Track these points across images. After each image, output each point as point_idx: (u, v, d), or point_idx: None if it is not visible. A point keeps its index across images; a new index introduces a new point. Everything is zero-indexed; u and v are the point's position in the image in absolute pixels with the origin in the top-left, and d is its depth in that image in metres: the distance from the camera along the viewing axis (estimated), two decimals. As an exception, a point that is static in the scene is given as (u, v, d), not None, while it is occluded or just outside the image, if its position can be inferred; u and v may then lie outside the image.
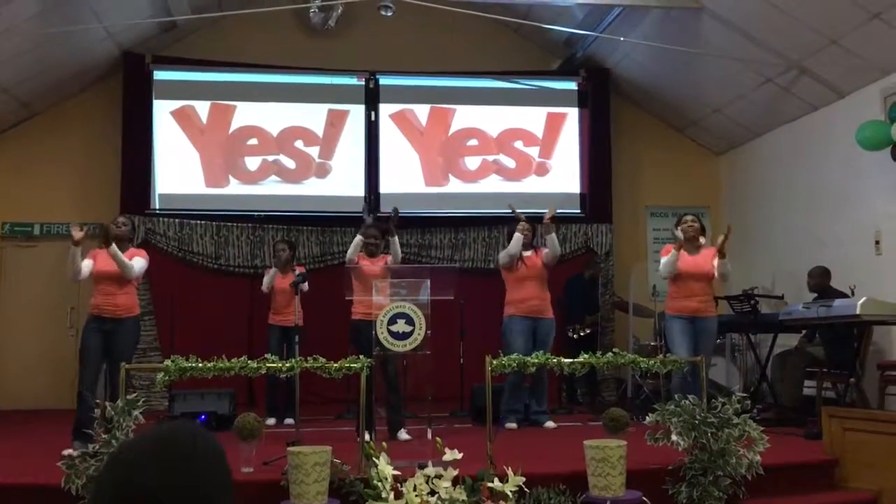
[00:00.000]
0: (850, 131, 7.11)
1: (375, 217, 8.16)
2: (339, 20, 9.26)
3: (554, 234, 6.68)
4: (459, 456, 4.12)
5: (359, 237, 6.18)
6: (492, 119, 9.59)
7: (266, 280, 7.28)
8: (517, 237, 6.58)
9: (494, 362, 4.47)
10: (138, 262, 5.62)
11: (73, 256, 5.40)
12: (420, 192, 9.41)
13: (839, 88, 7.66)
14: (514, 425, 6.45)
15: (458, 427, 6.53)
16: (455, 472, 4.03)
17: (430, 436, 4.60)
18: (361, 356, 4.53)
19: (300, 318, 6.68)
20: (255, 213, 9.08)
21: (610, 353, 4.64)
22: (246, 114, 9.19)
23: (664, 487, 4.32)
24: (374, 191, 9.28)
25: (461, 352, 7.51)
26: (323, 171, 9.30)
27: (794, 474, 4.73)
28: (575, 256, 9.53)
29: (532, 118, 9.66)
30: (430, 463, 4.11)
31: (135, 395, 4.20)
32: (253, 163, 9.18)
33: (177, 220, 8.96)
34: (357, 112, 9.40)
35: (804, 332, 7.23)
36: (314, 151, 9.30)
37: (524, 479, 4.07)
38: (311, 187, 9.26)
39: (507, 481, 4.05)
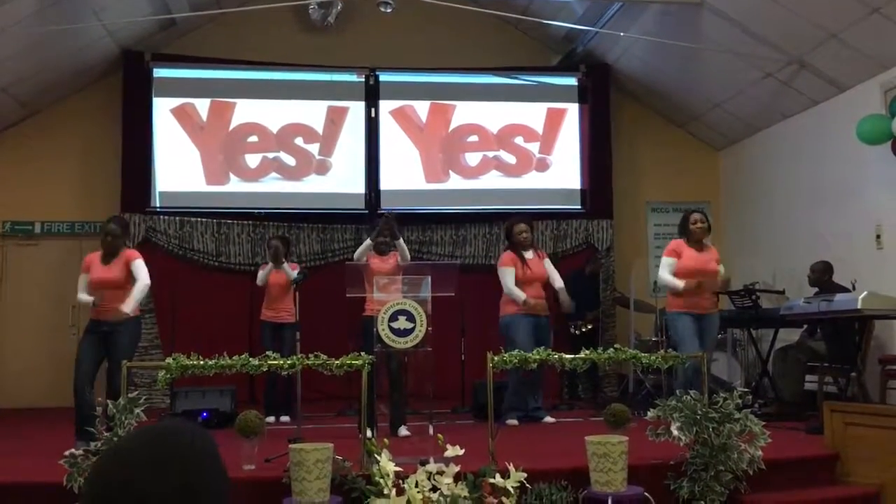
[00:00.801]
0: (850, 126, 7.10)
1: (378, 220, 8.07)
2: (338, 17, 9.26)
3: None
4: (461, 452, 4.13)
5: (369, 241, 6.22)
6: (492, 115, 9.58)
7: (261, 275, 7.23)
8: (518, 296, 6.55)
9: (496, 359, 4.48)
10: (142, 273, 5.64)
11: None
12: (420, 189, 9.41)
13: (839, 83, 7.65)
14: (515, 422, 6.44)
15: (460, 423, 6.53)
16: (457, 469, 4.03)
17: (431, 432, 4.61)
18: (363, 353, 4.53)
19: (291, 314, 6.67)
20: (256, 211, 9.08)
21: (611, 349, 4.64)
22: (246, 111, 9.18)
23: (666, 483, 4.32)
24: (374, 187, 9.28)
25: (462, 348, 7.50)
26: (323, 168, 9.30)
27: (795, 469, 4.74)
28: (576, 252, 9.53)
29: (532, 114, 9.65)
30: (431, 459, 4.11)
31: (136, 392, 4.21)
32: (253, 160, 9.17)
33: (177, 218, 8.96)
34: (357, 109, 9.39)
35: (805, 326, 7.23)
36: (314, 148, 9.30)
37: (526, 475, 4.08)
38: (312, 184, 9.25)
39: (508, 477, 4.05)
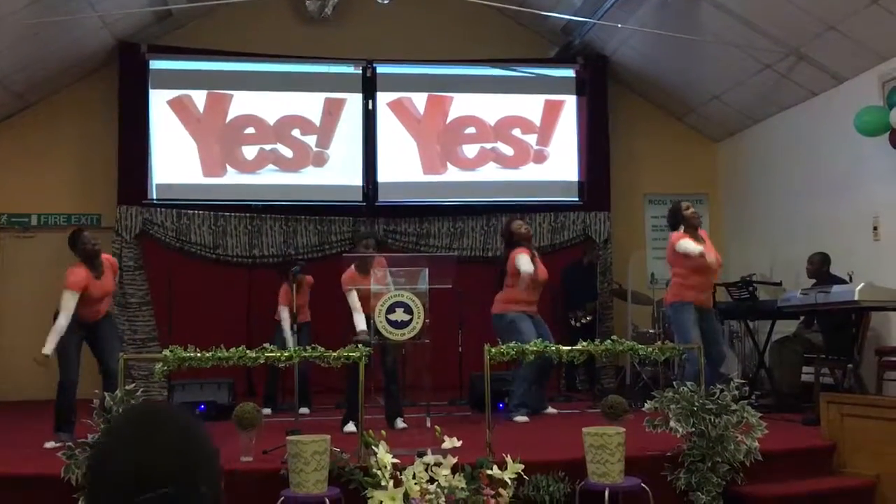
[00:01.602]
0: (848, 117, 7.10)
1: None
2: (335, 8, 9.23)
3: None
4: (458, 444, 4.14)
5: (349, 287, 5.90)
6: (489, 107, 9.56)
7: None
8: (526, 259, 6.42)
9: (493, 351, 4.48)
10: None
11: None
12: (418, 181, 9.39)
13: (837, 74, 7.64)
14: (525, 419, 6.26)
15: (457, 415, 6.54)
16: (454, 460, 4.04)
17: (429, 424, 4.62)
18: (360, 345, 4.53)
19: (305, 315, 6.73)
20: (253, 203, 9.06)
21: (609, 341, 4.65)
22: (243, 103, 9.15)
23: (663, 474, 4.33)
24: (371, 180, 9.26)
25: (459, 340, 7.50)
26: (320, 160, 9.28)
27: (792, 460, 4.75)
28: (573, 244, 9.53)
29: (530, 106, 9.63)
30: (429, 451, 4.12)
31: (133, 385, 4.20)
32: (250, 152, 9.15)
33: (174, 211, 8.94)
34: (354, 100, 9.37)
35: (802, 318, 7.24)
36: (311, 140, 9.28)
37: (523, 466, 4.09)
38: (309, 176, 9.24)
39: (505, 469, 4.06)
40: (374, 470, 3.97)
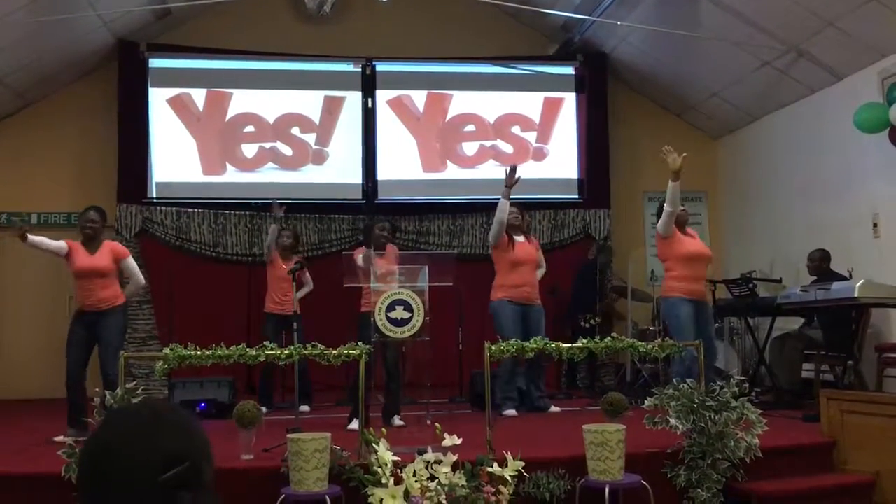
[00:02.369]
0: (847, 114, 7.10)
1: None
2: (334, 6, 9.22)
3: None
4: (459, 441, 4.14)
5: (365, 253, 5.88)
6: (489, 104, 9.56)
7: (271, 244, 7.23)
8: (503, 203, 6.51)
9: (493, 348, 4.48)
10: (137, 274, 5.91)
11: (41, 245, 5.59)
12: (418, 179, 9.39)
13: (837, 71, 7.64)
14: (513, 412, 6.37)
15: (458, 413, 6.53)
16: (454, 458, 4.04)
17: (429, 422, 4.62)
18: (360, 343, 4.53)
19: (296, 305, 6.68)
20: (253, 202, 9.06)
21: (608, 338, 4.65)
22: (242, 101, 9.15)
23: (663, 471, 4.34)
24: (371, 177, 9.27)
25: (460, 338, 7.51)
26: (320, 158, 9.28)
27: (792, 457, 4.76)
28: (573, 242, 9.54)
29: (529, 103, 9.63)
30: (429, 449, 4.12)
31: (134, 383, 4.21)
32: (250, 150, 9.15)
33: (174, 209, 8.94)
34: (354, 98, 9.37)
35: (805, 320, 7.26)
36: (311, 138, 9.28)
37: (523, 463, 4.09)
38: (309, 174, 9.24)
39: (506, 466, 4.07)
40: (375, 468, 3.98)
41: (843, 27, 6.99)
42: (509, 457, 4.09)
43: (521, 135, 9.60)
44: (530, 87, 9.70)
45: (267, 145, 9.17)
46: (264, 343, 4.43)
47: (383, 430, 4.28)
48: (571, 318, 8.63)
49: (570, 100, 9.72)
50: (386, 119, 9.39)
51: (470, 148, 9.53)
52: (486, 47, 9.62)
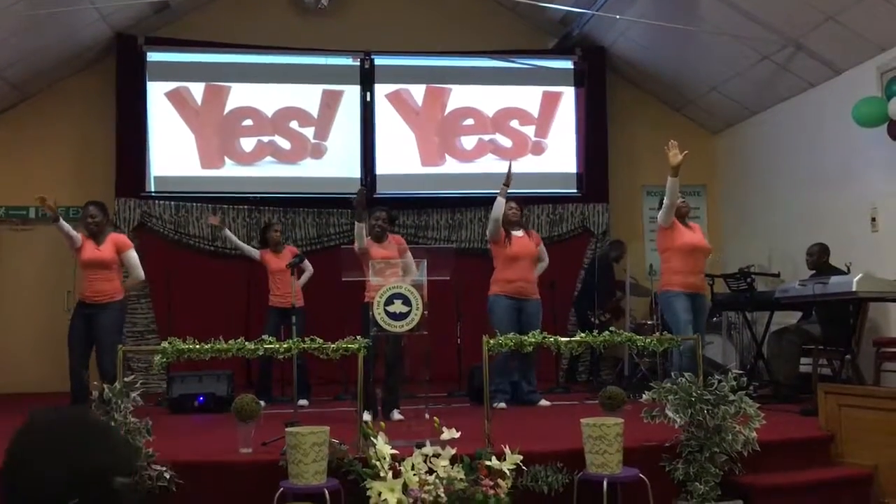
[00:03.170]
0: (846, 108, 7.10)
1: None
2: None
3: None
4: (457, 435, 4.14)
5: (359, 225, 5.98)
6: (487, 98, 9.54)
7: (244, 248, 7.55)
8: (499, 201, 6.53)
9: (491, 342, 4.48)
10: (138, 269, 6.00)
11: (64, 229, 5.71)
12: (416, 173, 9.38)
13: (836, 65, 7.64)
14: (503, 405, 6.41)
15: (456, 407, 6.55)
16: (453, 452, 4.04)
17: (427, 415, 4.62)
18: (359, 337, 4.53)
19: (299, 298, 6.70)
20: (251, 195, 9.05)
21: (606, 332, 4.65)
22: (240, 95, 9.14)
23: (661, 464, 4.34)
24: (370, 172, 9.25)
25: (458, 332, 7.51)
26: (318, 152, 9.27)
27: (789, 450, 4.77)
28: (572, 237, 9.54)
29: (528, 97, 9.62)
30: (428, 442, 4.12)
31: (132, 377, 4.20)
32: (248, 144, 9.14)
33: (172, 203, 8.94)
34: (352, 92, 9.35)
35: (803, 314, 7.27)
36: (309, 132, 9.26)
37: (522, 457, 4.09)
38: (307, 168, 9.23)
39: (504, 460, 4.07)
40: (373, 461, 3.98)
41: (842, 21, 6.99)
42: (507, 450, 4.09)
43: (519, 129, 9.59)
44: (529, 81, 9.69)
45: (265, 139, 9.16)
46: (263, 337, 4.43)
47: (381, 423, 4.29)
48: (580, 312, 8.64)
49: (568, 94, 9.70)
50: (384, 113, 9.38)
51: (469, 142, 9.52)
52: (485, 41, 9.60)
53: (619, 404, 4.64)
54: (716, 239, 9.40)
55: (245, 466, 4.19)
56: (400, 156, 9.36)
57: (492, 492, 3.95)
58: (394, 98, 9.43)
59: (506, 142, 9.55)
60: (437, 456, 4.02)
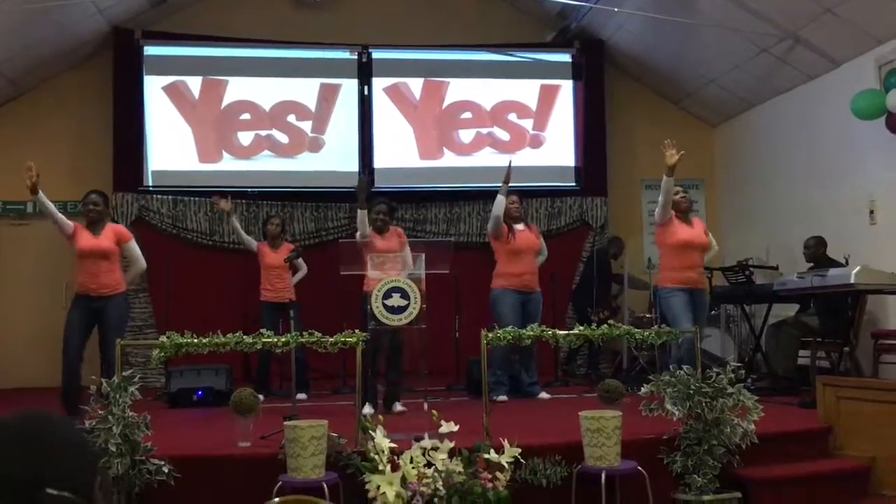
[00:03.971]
0: (844, 101, 7.09)
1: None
2: (329, -7, 9.18)
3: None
4: (456, 428, 4.14)
5: (362, 212, 6.00)
6: (485, 92, 9.53)
7: (239, 228, 7.42)
8: (500, 199, 6.53)
9: (490, 336, 4.48)
10: (139, 258, 5.96)
11: (47, 207, 5.63)
12: (414, 167, 9.37)
13: (834, 58, 7.63)
14: (504, 398, 6.43)
15: (454, 400, 6.55)
16: (451, 445, 4.05)
17: (426, 409, 4.62)
18: (357, 330, 4.53)
19: (292, 292, 6.69)
20: (249, 190, 9.04)
21: (605, 326, 4.65)
22: (238, 88, 9.12)
23: (659, 457, 4.35)
24: (368, 165, 9.24)
25: (456, 326, 7.51)
26: (316, 146, 9.25)
27: (788, 443, 4.77)
28: (570, 230, 9.53)
29: (526, 90, 9.60)
30: (426, 435, 4.12)
31: (131, 371, 4.20)
32: (246, 137, 9.13)
33: (170, 197, 8.92)
34: (350, 86, 9.33)
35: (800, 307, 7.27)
36: (307, 126, 9.25)
37: (520, 450, 4.10)
38: (305, 162, 9.21)
39: (503, 453, 4.07)
40: (372, 455, 3.98)
41: (840, 14, 6.97)
42: (506, 443, 4.10)
43: (517, 122, 9.58)
44: (527, 75, 9.67)
45: (263, 133, 9.15)
46: (261, 331, 4.43)
47: (380, 416, 4.29)
48: (577, 306, 8.63)
49: (566, 87, 9.69)
50: (382, 106, 9.36)
51: (467, 135, 9.51)
52: (483, 34, 9.58)
53: (617, 397, 4.64)
54: (714, 232, 9.33)
55: (243, 460, 4.19)
56: (398, 149, 9.34)
57: (490, 485, 3.96)
58: (392, 91, 9.41)
59: (504, 135, 9.54)
60: (435, 449, 4.03)
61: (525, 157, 9.49)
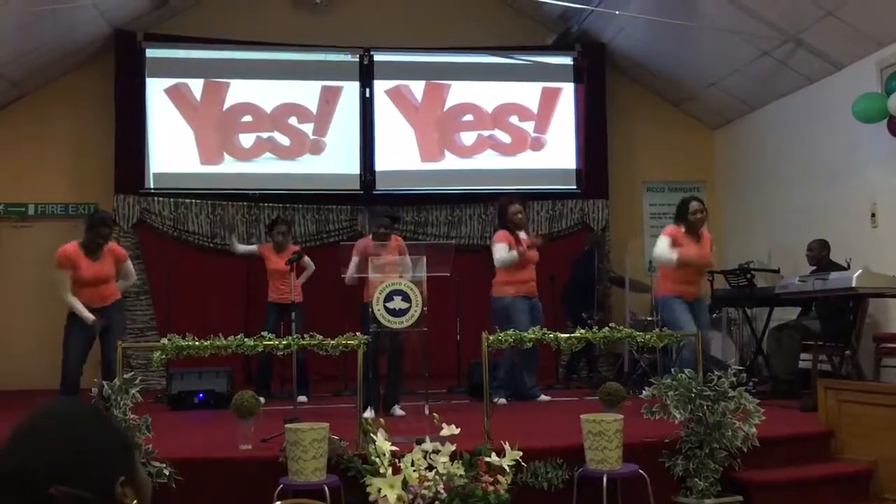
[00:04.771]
0: (846, 104, 7.09)
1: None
2: (331, -5, 9.19)
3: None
4: (457, 431, 4.14)
5: (367, 245, 6.06)
6: (487, 94, 9.53)
7: (241, 248, 7.53)
8: (513, 255, 6.51)
9: (491, 338, 4.48)
10: (131, 269, 6.12)
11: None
12: (416, 169, 9.37)
13: (835, 61, 7.62)
14: (503, 400, 6.47)
15: (456, 403, 6.55)
16: (453, 448, 4.05)
17: (427, 412, 4.62)
18: (358, 333, 4.53)
19: (298, 294, 6.69)
20: (251, 192, 9.04)
21: (606, 328, 4.65)
22: (239, 91, 9.12)
23: (661, 460, 4.35)
24: (369, 168, 9.24)
25: (457, 328, 7.51)
26: (317, 149, 9.25)
27: (789, 446, 4.77)
28: (571, 233, 9.53)
29: (527, 93, 9.60)
30: (427, 438, 4.12)
31: (132, 374, 4.20)
32: (247, 140, 9.13)
33: (171, 200, 8.92)
34: (351, 88, 9.33)
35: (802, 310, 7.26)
36: (308, 128, 9.25)
37: (521, 453, 4.10)
38: (306, 165, 9.22)
39: (504, 456, 4.07)
40: (373, 457, 3.98)
41: (842, 17, 6.97)
42: (507, 446, 4.10)
43: (518, 125, 9.58)
44: (528, 77, 9.67)
45: (264, 135, 9.15)
46: (262, 333, 4.43)
47: (381, 419, 4.29)
48: (571, 310, 8.61)
49: (568, 90, 9.69)
50: (384, 109, 9.36)
51: (468, 138, 9.51)
52: (485, 37, 9.59)
53: (618, 400, 4.64)
54: (715, 235, 9.37)
55: (245, 463, 4.19)
56: (399, 152, 9.34)
57: (491, 488, 3.95)
58: (393, 94, 9.41)
59: (505, 138, 9.54)
60: (436, 452, 4.02)
61: (526, 160, 9.50)
